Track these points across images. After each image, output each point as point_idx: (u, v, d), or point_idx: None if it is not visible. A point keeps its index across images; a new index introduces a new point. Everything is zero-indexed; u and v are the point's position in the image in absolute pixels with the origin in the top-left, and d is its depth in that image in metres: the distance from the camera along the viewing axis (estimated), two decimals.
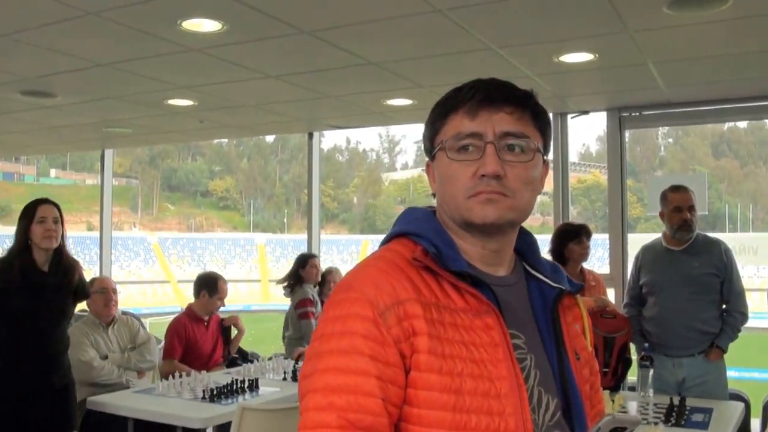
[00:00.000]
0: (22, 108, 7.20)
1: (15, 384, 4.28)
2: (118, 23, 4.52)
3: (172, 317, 6.40)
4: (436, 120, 1.49)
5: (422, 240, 1.45)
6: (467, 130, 1.43)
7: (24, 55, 5.34)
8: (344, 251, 60.92)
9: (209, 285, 6.14)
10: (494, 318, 1.41)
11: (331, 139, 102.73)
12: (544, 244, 5.99)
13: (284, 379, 5.41)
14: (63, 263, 4.53)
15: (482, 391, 1.34)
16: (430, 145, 1.51)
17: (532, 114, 1.47)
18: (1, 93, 6.55)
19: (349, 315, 1.36)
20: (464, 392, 1.33)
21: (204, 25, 4.54)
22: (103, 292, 5.52)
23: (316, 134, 8.83)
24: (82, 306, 5.21)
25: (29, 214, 4.46)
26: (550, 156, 6.04)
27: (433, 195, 1.55)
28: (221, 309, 6.31)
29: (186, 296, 56.09)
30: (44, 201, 4.60)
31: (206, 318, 6.16)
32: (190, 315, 6.13)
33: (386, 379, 1.32)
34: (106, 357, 5.36)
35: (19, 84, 6.23)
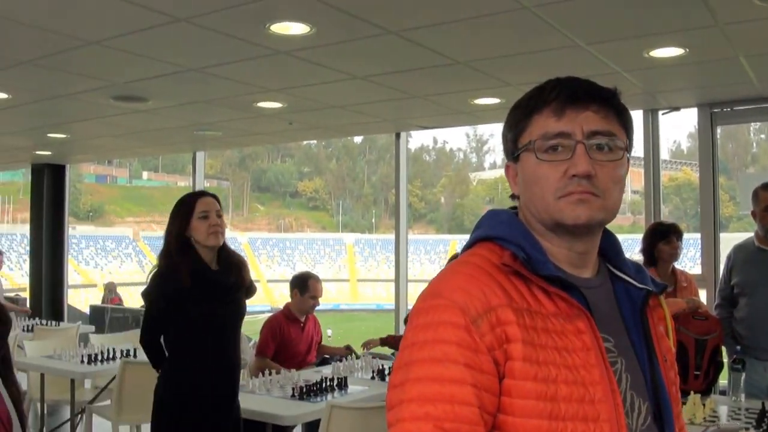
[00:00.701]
0: (115, 113, 7.42)
1: (196, 399, 3.86)
2: (208, 29, 4.63)
3: (262, 316, 6.49)
4: (519, 120, 1.46)
5: (510, 244, 1.43)
6: (555, 129, 1.40)
7: (116, 61, 5.50)
8: (432, 251, 60.85)
9: (300, 284, 6.19)
10: (585, 322, 1.38)
11: (418, 139, 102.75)
12: (636, 244, 5.88)
13: (372, 378, 5.43)
14: (232, 260, 4.12)
15: (577, 397, 1.32)
16: (513, 146, 1.48)
17: (617, 112, 1.44)
18: (95, 98, 6.76)
19: (440, 323, 1.33)
20: (559, 399, 1.31)
21: (292, 28, 4.60)
22: None
23: (403, 134, 8.85)
24: None
25: (187, 209, 4.01)
26: (641, 154, 5.89)
27: (512, 197, 1.53)
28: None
29: (275, 296, 56.97)
30: (203, 194, 4.14)
31: (302, 318, 6.19)
32: (286, 314, 6.17)
33: (481, 387, 1.30)
34: None
35: (111, 89, 6.43)
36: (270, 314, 6.38)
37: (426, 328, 1.35)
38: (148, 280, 3.99)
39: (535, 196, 1.44)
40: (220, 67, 5.62)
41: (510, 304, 1.35)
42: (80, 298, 31.44)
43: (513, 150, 1.48)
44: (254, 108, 7.07)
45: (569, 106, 1.40)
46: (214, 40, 4.87)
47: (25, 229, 13.54)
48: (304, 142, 74.17)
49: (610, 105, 1.43)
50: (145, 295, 3.97)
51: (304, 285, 6.17)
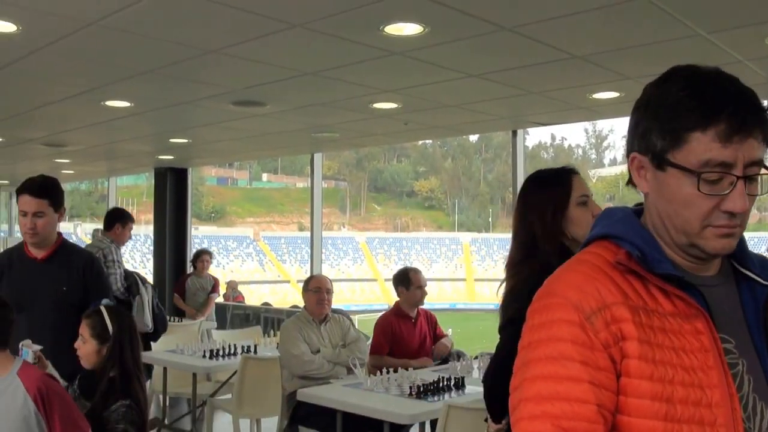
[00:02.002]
0: (234, 117, 7.61)
1: None
2: (323, 33, 4.69)
3: (379, 314, 6.54)
4: (676, 129, 1.35)
5: (624, 243, 1.40)
6: (718, 158, 1.31)
7: (234, 68, 5.65)
8: None
9: (402, 279, 6.23)
10: (704, 322, 1.34)
11: (535, 136, 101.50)
12: (762, 242, 5.61)
13: None
14: None
15: (693, 400, 1.28)
16: (659, 149, 1.37)
17: (765, 134, 1.35)
18: (214, 104, 6.96)
19: (554, 321, 1.32)
20: (675, 401, 1.27)
21: (406, 29, 4.60)
22: (317, 291, 5.72)
23: (520, 132, 8.74)
24: (295, 301, 5.41)
25: (562, 192, 2.75)
26: None
27: (637, 192, 1.48)
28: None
29: (392, 294, 57.21)
30: (570, 170, 2.84)
31: (413, 314, 6.22)
32: (397, 312, 6.22)
33: (599, 384, 1.28)
34: (318, 351, 5.56)
35: (230, 95, 6.60)
36: (381, 315, 6.42)
37: (541, 328, 1.34)
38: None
39: (677, 215, 1.38)
40: (335, 70, 5.68)
41: (625, 301, 1.32)
42: None
43: (656, 152, 1.38)
44: (370, 109, 7.13)
45: (736, 133, 1.31)
46: (329, 43, 4.94)
47: (149, 230, 14.04)
48: (420, 142, 74.53)
49: (765, 125, 1.34)
50: None
51: (406, 279, 6.21)
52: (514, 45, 4.95)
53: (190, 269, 10.49)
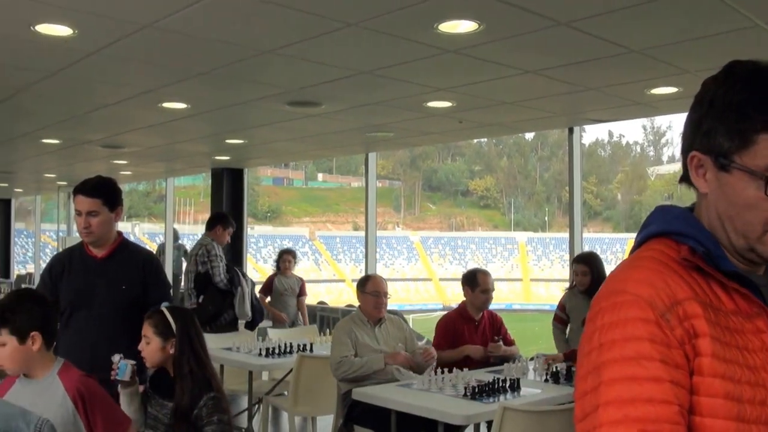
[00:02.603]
0: (290, 117, 7.65)
1: None
2: (378, 32, 4.68)
3: (435, 314, 6.48)
4: (743, 129, 1.30)
5: (687, 239, 1.35)
6: None
7: (289, 68, 5.68)
8: (608, 250, 59.15)
9: (469, 280, 6.13)
10: (765, 320, 1.30)
11: (592, 133, 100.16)
12: None
13: (546, 380, 5.31)
14: None
15: (760, 400, 1.24)
16: (724, 150, 1.33)
17: None
18: (270, 104, 7.01)
19: (627, 319, 1.27)
20: (744, 401, 1.23)
21: (460, 26, 4.57)
22: (375, 295, 5.67)
23: (576, 129, 8.62)
24: (350, 300, 5.39)
25: None
26: None
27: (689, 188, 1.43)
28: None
29: (447, 294, 57.16)
30: None
31: (477, 317, 6.10)
32: (461, 312, 6.11)
33: (678, 383, 1.24)
34: (374, 352, 5.52)
35: (285, 96, 6.63)
36: (444, 312, 6.34)
37: (613, 327, 1.28)
38: None
39: (739, 218, 1.34)
40: (390, 69, 5.67)
41: (695, 297, 1.28)
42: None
43: (724, 157, 1.33)
44: (424, 108, 7.10)
45: None
46: (384, 42, 4.93)
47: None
48: (475, 141, 74.19)
49: None
50: None
51: (473, 280, 6.10)
52: (570, 40, 4.88)
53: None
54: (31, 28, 4.70)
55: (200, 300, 7.55)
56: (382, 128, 8.43)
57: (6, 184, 17.62)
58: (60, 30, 4.75)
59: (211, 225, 7.71)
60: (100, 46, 5.14)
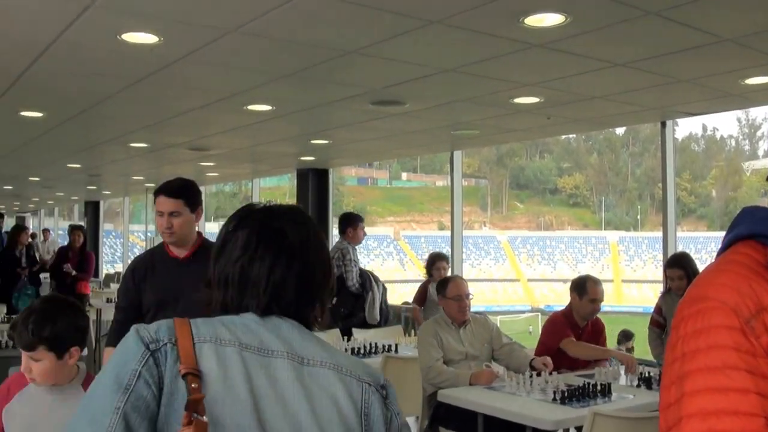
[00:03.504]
0: (374, 117, 7.63)
1: None
2: (462, 28, 4.59)
3: (522, 316, 6.34)
4: None
5: None
6: None
7: (373, 67, 5.65)
8: (702, 250, 57.46)
9: (579, 286, 5.88)
10: None
11: (685, 127, 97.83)
12: None
13: (638, 385, 5.13)
14: None
15: None
16: None
17: None
18: (354, 104, 6.99)
19: (711, 327, 1.20)
20: None
21: (546, 19, 4.44)
22: (458, 299, 5.57)
23: (669, 123, 8.35)
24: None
25: None
26: None
27: None
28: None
29: (536, 295, 56.58)
30: None
31: (582, 324, 5.88)
32: (567, 316, 5.91)
33: (765, 395, 1.15)
34: (459, 356, 5.42)
35: (369, 95, 6.61)
36: (532, 315, 6.17)
37: (696, 336, 1.21)
38: None
39: None
40: (474, 66, 5.58)
41: None
42: None
43: None
44: (510, 104, 6.98)
45: None
46: (468, 39, 4.84)
47: None
48: (563, 137, 73.30)
49: None
50: None
51: (582, 287, 5.85)
52: (661, 30, 4.68)
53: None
54: (118, 37, 4.79)
55: (334, 301, 7.63)
56: (467, 126, 8.34)
57: (95, 187, 18.19)
58: (146, 38, 4.83)
59: (341, 228, 7.88)
60: (185, 53, 5.21)
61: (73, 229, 11.20)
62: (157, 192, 3.93)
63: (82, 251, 10.56)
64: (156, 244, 4.35)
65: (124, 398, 1.38)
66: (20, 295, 10.44)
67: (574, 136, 77.60)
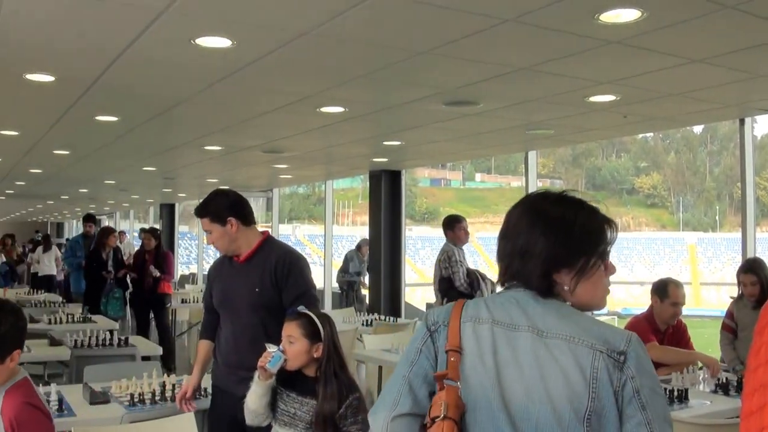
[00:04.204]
0: (447, 117, 7.60)
1: None
2: (535, 26, 4.53)
3: (607, 318, 6.20)
4: None
5: None
6: None
7: (445, 67, 5.62)
8: None
9: (660, 290, 5.72)
10: None
11: (764, 124, 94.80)
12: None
13: (715, 391, 4.97)
14: None
15: None
16: None
17: None
18: (427, 105, 6.97)
19: None
20: None
21: (622, 15, 4.35)
22: None
23: (747, 120, 8.10)
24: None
25: None
26: None
27: None
28: None
29: (613, 299, 55.61)
30: None
31: (663, 329, 5.72)
32: (649, 320, 5.71)
33: None
34: None
35: (442, 96, 6.58)
36: (611, 317, 6.03)
37: None
38: None
39: None
40: (549, 64, 5.50)
41: None
42: (417, 296, 33.05)
43: None
44: (586, 103, 6.87)
45: None
46: (542, 36, 4.78)
47: (364, 231, 14.41)
48: (640, 136, 71.82)
49: None
50: None
51: (663, 290, 5.69)
52: (739, 24, 4.55)
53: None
54: (192, 42, 4.88)
55: (443, 302, 7.80)
56: (542, 125, 8.24)
57: (170, 189, 18.54)
58: (219, 42, 4.91)
59: (444, 231, 8.15)
60: (258, 56, 5.27)
61: (143, 232, 11.25)
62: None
63: (158, 252, 10.53)
64: None
65: (410, 369, 1.87)
66: (108, 299, 10.36)
67: (651, 134, 76.12)
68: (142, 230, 11.56)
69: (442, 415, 1.72)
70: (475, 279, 7.95)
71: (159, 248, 10.68)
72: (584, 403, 1.70)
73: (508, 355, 1.78)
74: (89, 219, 12.41)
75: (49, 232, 40.77)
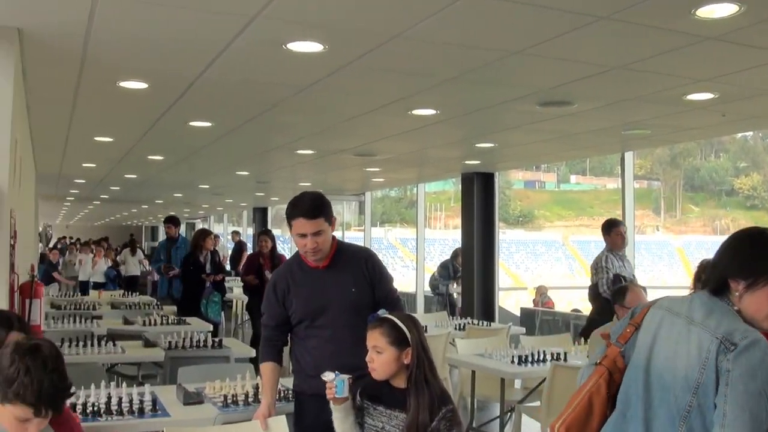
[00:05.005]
0: (541, 118, 7.50)
1: None
2: (631, 22, 4.44)
3: None
4: None
5: None
6: None
7: (539, 68, 5.55)
8: None
9: None
10: None
11: None
12: None
13: None
14: None
15: None
16: None
17: None
18: (520, 107, 6.89)
19: None
20: None
21: (719, 10, 4.22)
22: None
23: None
24: None
25: None
26: None
27: None
28: None
29: None
30: None
31: None
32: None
33: None
34: None
35: (536, 96, 6.49)
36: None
37: None
38: None
39: None
40: (645, 62, 5.37)
41: None
42: (511, 300, 32.69)
43: None
44: (683, 101, 6.67)
45: None
46: (637, 34, 4.68)
47: (456, 234, 14.32)
48: (739, 135, 69.53)
49: None
50: None
51: None
52: None
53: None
54: (283, 47, 4.94)
55: (593, 310, 7.92)
56: (638, 125, 8.05)
57: (263, 193, 18.79)
58: (311, 47, 4.96)
59: (603, 235, 8.08)
60: (350, 60, 5.30)
61: (260, 234, 10.83)
62: (294, 214, 3.91)
63: (273, 255, 10.16)
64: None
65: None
66: (208, 302, 10.13)
67: (751, 133, 73.52)
68: (260, 232, 11.13)
69: (598, 362, 2.51)
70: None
71: (274, 251, 10.34)
72: (694, 375, 2.18)
73: (664, 333, 2.34)
74: (169, 221, 11.95)
75: (143, 236, 42.02)
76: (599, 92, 6.42)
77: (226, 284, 12.32)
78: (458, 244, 13.52)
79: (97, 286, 16.43)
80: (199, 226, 34.24)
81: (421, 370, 3.14)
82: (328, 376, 3.18)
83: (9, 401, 2.56)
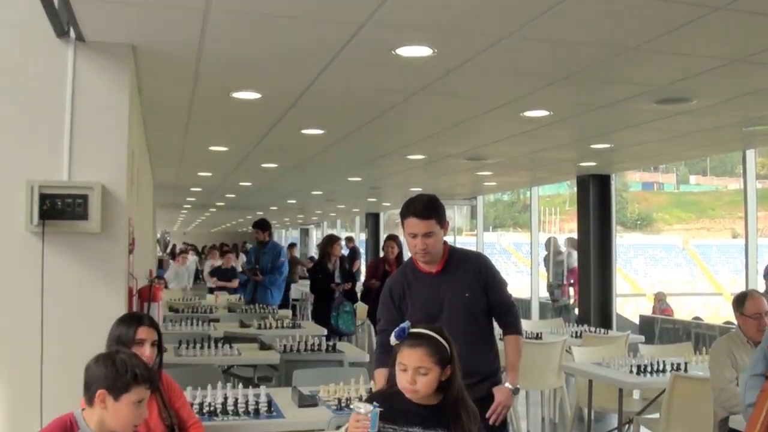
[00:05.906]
0: (658, 117, 7.25)
1: None
2: (749, 12, 4.21)
3: None
4: None
5: None
6: None
7: (655, 64, 5.35)
8: None
9: None
10: None
11: None
12: None
13: None
14: None
15: None
16: None
17: None
18: (636, 105, 6.67)
19: None
20: None
21: None
22: (756, 317, 5.14)
23: None
24: (728, 317, 4.93)
25: None
26: None
27: None
28: None
29: None
30: None
31: None
32: None
33: None
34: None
35: (653, 93, 6.27)
36: None
37: None
38: None
39: None
40: (766, 53, 5.09)
41: None
42: (630, 307, 31.88)
43: None
44: None
45: None
46: (758, 23, 4.43)
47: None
48: None
49: None
50: None
51: None
52: None
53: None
54: (392, 52, 4.93)
55: None
56: (760, 121, 7.67)
57: (375, 199, 18.92)
58: (420, 51, 4.93)
59: None
60: (459, 63, 5.25)
61: (386, 240, 10.35)
62: (407, 214, 3.97)
63: (399, 262, 9.53)
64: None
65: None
66: (339, 313, 9.82)
67: None
68: (387, 237, 10.44)
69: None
70: None
71: (400, 257, 9.86)
72: None
73: None
74: (257, 225, 11.54)
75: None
76: (719, 87, 6.14)
77: None
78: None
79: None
80: (313, 232, 34.57)
81: (458, 384, 3.02)
82: (363, 407, 2.88)
83: (126, 390, 2.81)
